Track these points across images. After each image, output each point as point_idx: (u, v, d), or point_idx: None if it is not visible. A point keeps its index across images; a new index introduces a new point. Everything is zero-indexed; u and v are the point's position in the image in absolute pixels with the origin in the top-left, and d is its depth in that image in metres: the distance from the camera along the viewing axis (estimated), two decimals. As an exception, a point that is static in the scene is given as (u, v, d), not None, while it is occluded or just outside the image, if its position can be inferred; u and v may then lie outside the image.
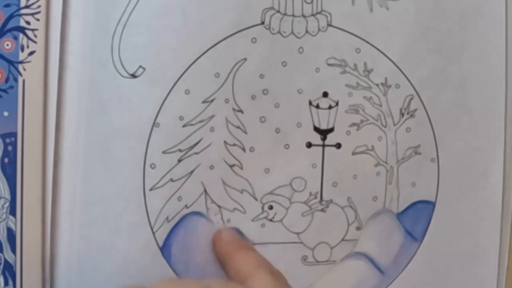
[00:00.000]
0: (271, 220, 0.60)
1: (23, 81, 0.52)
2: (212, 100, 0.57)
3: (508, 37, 0.64)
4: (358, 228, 0.63)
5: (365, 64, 0.60)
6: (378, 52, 0.61)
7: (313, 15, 0.59)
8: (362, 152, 0.62)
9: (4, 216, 0.53)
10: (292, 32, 0.58)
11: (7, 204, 0.52)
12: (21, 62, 0.52)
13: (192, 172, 0.57)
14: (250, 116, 0.58)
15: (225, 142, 0.58)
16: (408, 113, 0.62)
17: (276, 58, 0.58)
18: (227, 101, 0.57)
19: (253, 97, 0.58)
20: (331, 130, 0.60)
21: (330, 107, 0.60)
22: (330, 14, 0.59)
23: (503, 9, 0.64)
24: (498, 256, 0.67)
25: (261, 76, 0.58)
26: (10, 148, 0.52)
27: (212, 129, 0.57)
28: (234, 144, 0.58)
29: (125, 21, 0.54)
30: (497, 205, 0.66)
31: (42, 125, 0.53)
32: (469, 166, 0.65)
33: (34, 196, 0.53)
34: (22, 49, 0.52)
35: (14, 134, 0.52)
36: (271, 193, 0.60)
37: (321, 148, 0.60)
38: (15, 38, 0.52)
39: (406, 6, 0.61)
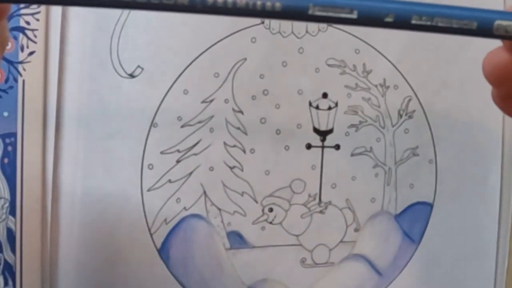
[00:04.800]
0: (271, 222, 0.60)
1: (23, 81, 0.52)
2: (212, 100, 0.57)
3: (507, 37, 0.65)
4: (356, 230, 0.63)
5: (364, 65, 0.60)
6: (377, 53, 0.61)
7: (313, 15, 0.59)
8: (360, 154, 0.62)
9: (4, 216, 0.52)
10: (292, 32, 0.58)
11: (7, 204, 0.52)
12: (21, 62, 0.52)
13: (191, 173, 0.57)
14: (250, 117, 0.58)
15: (224, 143, 0.57)
16: (406, 114, 0.62)
17: (276, 58, 0.58)
18: (226, 101, 0.57)
19: (253, 98, 0.58)
20: (330, 131, 0.60)
21: (329, 108, 0.60)
22: (330, 14, 0.59)
23: (501, 8, 0.64)
24: (496, 257, 0.67)
25: (261, 76, 0.58)
26: (10, 148, 0.52)
27: (211, 130, 0.57)
28: (234, 146, 0.58)
29: (124, 21, 0.54)
30: (495, 206, 0.67)
31: (42, 125, 0.53)
32: (467, 168, 0.65)
33: (34, 196, 0.53)
34: (22, 49, 0.52)
35: (14, 134, 0.52)
36: (271, 195, 0.59)
37: (320, 149, 0.60)
38: (15, 38, 0.51)
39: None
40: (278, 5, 0.30)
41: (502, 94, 0.39)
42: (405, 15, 0.30)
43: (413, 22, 0.31)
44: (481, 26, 0.31)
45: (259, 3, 0.30)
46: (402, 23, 0.31)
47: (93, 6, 0.30)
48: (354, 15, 0.30)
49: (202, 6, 0.30)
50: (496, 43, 0.36)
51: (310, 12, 0.30)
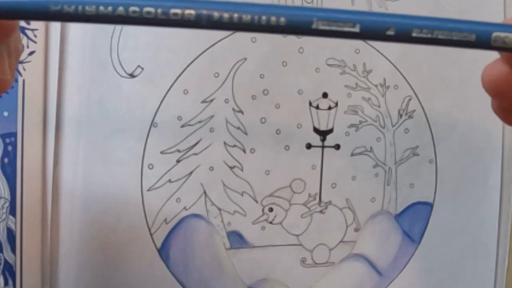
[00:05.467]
0: (271, 222, 0.60)
1: (23, 81, 0.52)
2: (212, 100, 0.57)
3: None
4: (356, 230, 0.63)
5: (364, 64, 0.60)
6: (377, 52, 0.61)
7: (313, 15, 0.59)
8: (360, 153, 0.62)
9: (4, 216, 0.52)
10: (293, 32, 0.58)
11: (7, 204, 0.52)
12: (21, 62, 0.52)
13: (191, 173, 0.57)
14: (250, 117, 0.58)
15: (225, 143, 0.57)
16: (406, 114, 0.62)
17: (276, 58, 0.58)
18: (226, 101, 0.57)
19: (253, 97, 0.58)
20: (330, 131, 0.60)
21: (329, 108, 0.60)
22: (330, 14, 0.59)
23: (501, 9, 0.64)
24: (496, 257, 0.67)
25: (261, 76, 0.58)
26: (10, 148, 0.52)
27: (211, 130, 0.57)
28: (234, 145, 0.58)
29: (124, 21, 0.54)
30: (495, 206, 0.67)
31: (42, 125, 0.53)
32: (467, 167, 0.65)
33: (34, 196, 0.53)
34: (22, 49, 0.52)
35: (14, 134, 0.52)
36: (271, 195, 0.59)
37: (320, 149, 0.60)
38: (15, 37, 0.51)
39: (405, 7, 0.61)
40: (282, 19, 0.30)
41: (502, 106, 0.39)
42: (406, 28, 0.31)
43: (414, 35, 0.31)
44: (479, 38, 0.32)
45: (264, 18, 0.30)
46: (403, 36, 0.31)
47: (100, 22, 0.30)
48: (356, 29, 0.31)
49: (208, 21, 0.30)
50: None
51: (314, 26, 0.31)
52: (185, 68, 0.56)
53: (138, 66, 0.55)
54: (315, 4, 0.58)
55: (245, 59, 0.57)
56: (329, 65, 0.60)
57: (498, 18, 0.63)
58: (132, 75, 0.55)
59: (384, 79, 0.61)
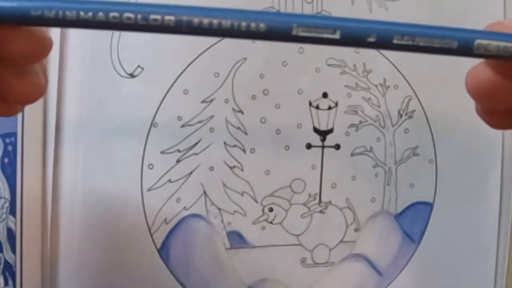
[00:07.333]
0: (271, 222, 0.60)
1: (23, 80, 0.52)
2: (212, 100, 0.57)
3: (507, 38, 0.64)
4: (356, 230, 0.63)
5: (364, 64, 0.60)
6: (377, 52, 0.61)
7: (313, 15, 0.59)
8: (360, 153, 0.62)
9: (4, 216, 0.52)
10: (293, 32, 0.58)
11: (7, 204, 0.52)
12: (21, 62, 0.52)
13: (191, 173, 0.57)
14: (250, 117, 0.58)
15: (225, 143, 0.57)
16: (406, 114, 0.62)
17: (276, 58, 0.58)
18: (226, 101, 0.57)
19: (253, 97, 0.58)
20: (330, 131, 0.60)
21: (329, 108, 0.60)
22: (330, 14, 0.59)
23: (501, 9, 0.64)
24: (496, 257, 0.67)
25: (261, 76, 0.58)
26: (10, 148, 0.52)
27: (211, 130, 0.57)
28: (234, 145, 0.58)
29: (124, 21, 0.54)
30: (495, 206, 0.67)
31: (42, 125, 0.53)
32: (467, 168, 0.65)
33: (34, 196, 0.53)
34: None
35: (14, 134, 0.52)
36: (271, 195, 0.59)
37: (320, 149, 0.60)
38: (15, 37, 0.51)
39: (405, 7, 0.61)
40: (262, 26, 0.30)
41: (485, 108, 0.39)
42: (387, 35, 0.31)
43: (395, 42, 0.31)
44: (462, 46, 0.32)
45: (243, 24, 0.30)
46: (384, 43, 0.31)
47: (81, 27, 0.31)
48: (336, 36, 0.31)
49: (188, 27, 0.31)
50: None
51: (294, 32, 0.31)
52: (185, 68, 0.55)
53: (138, 66, 0.55)
54: (315, 5, 0.58)
55: (245, 59, 0.57)
56: (329, 65, 0.59)
57: (498, 18, 0.63)
58: (132, 75, 0.55)
59: (384, 79, 0.61)
